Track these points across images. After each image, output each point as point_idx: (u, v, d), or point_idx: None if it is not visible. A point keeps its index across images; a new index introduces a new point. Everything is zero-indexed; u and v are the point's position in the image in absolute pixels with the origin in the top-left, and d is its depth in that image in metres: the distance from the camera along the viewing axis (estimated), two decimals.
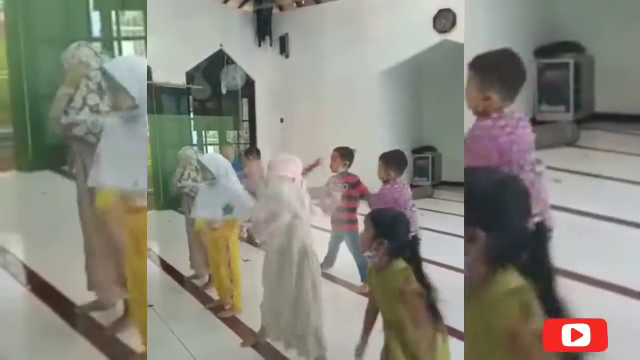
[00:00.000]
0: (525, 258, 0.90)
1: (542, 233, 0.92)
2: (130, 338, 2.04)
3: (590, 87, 4.44)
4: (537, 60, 4.34)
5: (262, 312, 2.28)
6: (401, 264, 1.47)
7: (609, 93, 4.30)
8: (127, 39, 4.76)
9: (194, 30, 6.21)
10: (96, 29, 4.60)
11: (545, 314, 0.85)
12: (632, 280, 2.13)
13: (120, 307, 2.23)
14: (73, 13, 4.38)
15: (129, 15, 4.77)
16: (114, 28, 4.70)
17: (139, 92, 1.69)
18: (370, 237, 1.51)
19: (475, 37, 5.61)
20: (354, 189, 3.32)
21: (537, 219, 0.93)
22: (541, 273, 0.90)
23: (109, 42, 4.63)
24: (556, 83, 4.29)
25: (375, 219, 1.55)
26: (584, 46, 4.42)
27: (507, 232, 0.90)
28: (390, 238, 1.48)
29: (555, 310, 0.90)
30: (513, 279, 0.88)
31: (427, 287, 1.43)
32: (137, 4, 4.63)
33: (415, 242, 1.53)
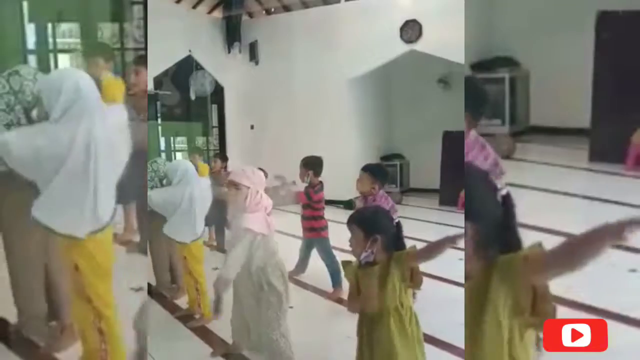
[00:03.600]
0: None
1: (510, 203, 1.01)
2: (69, 357, 1.97)
3: (525, 100, 4.63)
4: (473, 74, 4.48)
5: (232, 326, 2.28)
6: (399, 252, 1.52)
7: (544, 106, 4.49)
8: (63, 51, 4.62)
9: (162, 35, 6.10)
10: (31, 42, 4.45)
11: None
12: (560, 289, 2.21)
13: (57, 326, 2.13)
14: (7, 25, 4.20)
15: (65, 27, 4.64)
16: (50, 40, 4.56)
17: (48, 100, 1.58)
18: (361, 238, 1.52)
19: (437, 47, 5.82)
20: (314, 201, 3.29)
21: (503, 192, 1.02)
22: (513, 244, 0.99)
23: (45, 55, 4.49)
24: (492, 97, 4.32)
25: (359, 219, 1.57)
26: (518, 61, 4.62)
27: (485, 215, 0.99)
28: (380, 231, 1.51)
29: None
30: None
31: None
32: (73, 15, 4.52)
33: (399, 228, 1.58)
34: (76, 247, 1.66)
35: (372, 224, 1.53)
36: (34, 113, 1.89)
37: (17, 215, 1.88)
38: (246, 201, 2.04)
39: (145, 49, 4.04)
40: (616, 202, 3.16)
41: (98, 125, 1.64)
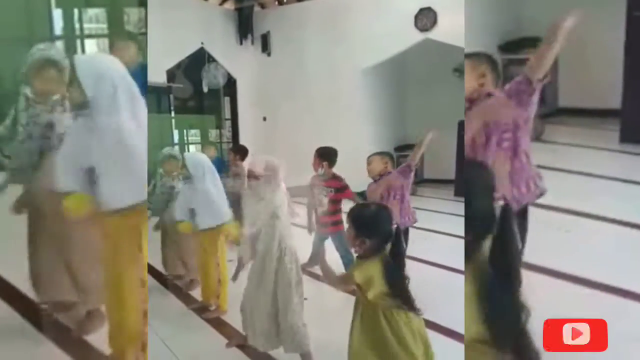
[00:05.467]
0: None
1: (506, 214, 0.95)
2: (97, 340, 2.00)
3: (554, 82, 4.49)
4: (501, 55, 4.39)
5: (242, 313, 2.25)
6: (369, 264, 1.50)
7: (572, 88, 4.39)
8: (89, 36, 4.65)
9: (175, 27, 6.10)
10: (58, 27, 4.48)
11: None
12: (595, 272, 2.17)
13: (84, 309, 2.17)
14: (35, 11, 4.26)
15: (92, 12, 4.66)
16: (77, 26, 4.58)
17: (94, 89, 1.57)
18: (352, 235, 1.54)
19: (452, 35, 5.70)
20: (341, 193, 3.31)
21: (500, 202, 0.97)
22: (504, 254, 0.94)
23: (72, 40, 4.52)
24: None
25: (354, 217, 1.57)
26: None
27: (473, 218, 0.96)
28: (370, 235, 1.50)
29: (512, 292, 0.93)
30: None
31: (399, 280, 1.48)
32: (100, 1, 4.54)
33: (397, 233, 1.53)
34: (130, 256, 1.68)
35: (365, 226, 1.52)
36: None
37: (48, 208, 1.92)
38: (263, 189, 2.05)
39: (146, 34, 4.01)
40: None
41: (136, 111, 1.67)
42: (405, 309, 1.48)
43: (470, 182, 0.99)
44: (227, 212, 2.74)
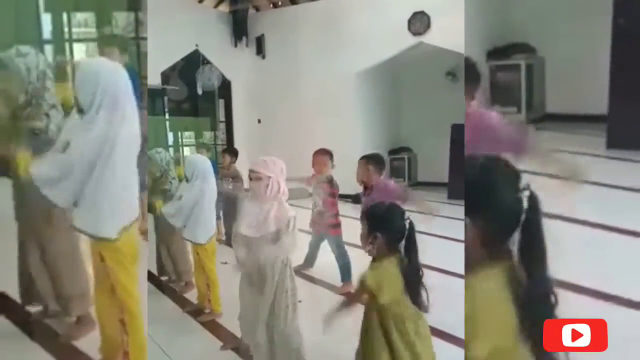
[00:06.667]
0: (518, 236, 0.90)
1: (534, 205, 0.91)
2: (87, 345, 2.01)
3: (541, 88, 4.58)
4: (489, 61, 4.43)
5: (240, 323, 2.23)
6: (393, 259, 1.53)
7: (559, 94, 4.44)
8: (78, 40, 4.62)
9: (169, 29, 6.10)
10: (47, 31, 4.44)
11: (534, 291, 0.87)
12: (579, 277, 2.15)
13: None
14: (23, 15, 4.20)
15: (81, 16, 4.63)
16: (65, 30, 4.55)
17: (84, 95, 1.59)
18: (365, 232, 1.57)
19: (446, 38, 5.76)
20: (333, 197, 3.33)
21: (526, 193, 0.91)
22: (533, 248, 0.91)
23: (60, 44, 4.48)
24: (508, 84, 4.41)
25: (368, 214, 1.61)
26: (534, 48, 4.55)
27: (497, 213, 0.90)
28: (383, 231, 1.53)
29: (544, 287, 0.90)
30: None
31: (415, 277, 1.52)
32: (88, 5, 4.51)
33: (411, 229, 1.56)
34: (102, 239, 1.67)
35: (376, 221, 1.56)
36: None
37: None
38: (267, 190, 2.01)
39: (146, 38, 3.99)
40: (634, 190, 3.11)
41: (125, 117, 1.65)
42: (415, 307, 1.53)
43: (490, 176, 0.91)
44: (212, 227, 2.75)
